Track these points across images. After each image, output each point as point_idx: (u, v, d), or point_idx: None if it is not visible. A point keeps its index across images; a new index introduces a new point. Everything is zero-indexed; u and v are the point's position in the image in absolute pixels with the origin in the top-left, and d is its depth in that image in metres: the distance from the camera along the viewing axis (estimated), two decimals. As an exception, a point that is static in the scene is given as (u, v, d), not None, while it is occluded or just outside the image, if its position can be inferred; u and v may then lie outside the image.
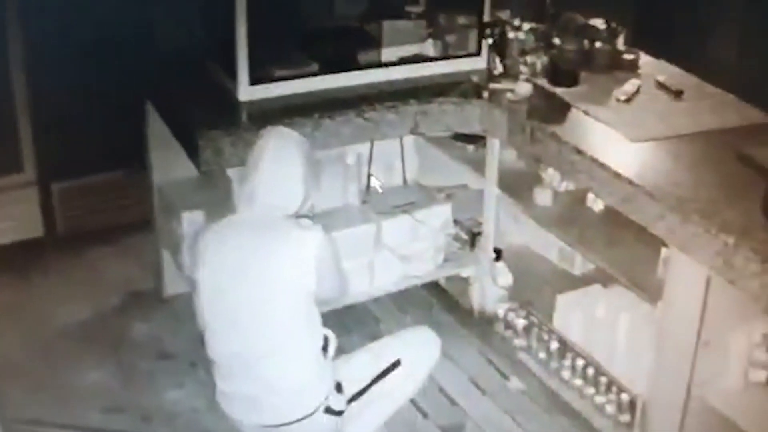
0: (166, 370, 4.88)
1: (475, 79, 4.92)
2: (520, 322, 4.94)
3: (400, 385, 4.00)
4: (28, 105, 5.48)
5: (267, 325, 3.66)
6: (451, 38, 5.08)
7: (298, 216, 3.73)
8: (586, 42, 5.03)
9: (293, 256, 3.62)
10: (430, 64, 5.00)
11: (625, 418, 4.36)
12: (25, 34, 5.33)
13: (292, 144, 3.74)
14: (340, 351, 3.85)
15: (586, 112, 4.58)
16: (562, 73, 4.87)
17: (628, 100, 4.70)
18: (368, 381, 3.90)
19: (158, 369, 4.90)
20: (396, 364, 3.95)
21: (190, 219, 4.86)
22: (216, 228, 3.80)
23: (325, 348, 3.76)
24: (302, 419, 3.72)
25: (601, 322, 4.55)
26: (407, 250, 4.93)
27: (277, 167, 3.68)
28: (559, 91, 4.80)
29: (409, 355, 3.99)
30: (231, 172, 4.56)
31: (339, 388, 3.80)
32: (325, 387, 3.75)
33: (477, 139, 5.07)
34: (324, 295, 3.75)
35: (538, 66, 4.94)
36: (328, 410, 3.76)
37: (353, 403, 3.87)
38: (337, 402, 3.79)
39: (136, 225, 5.59)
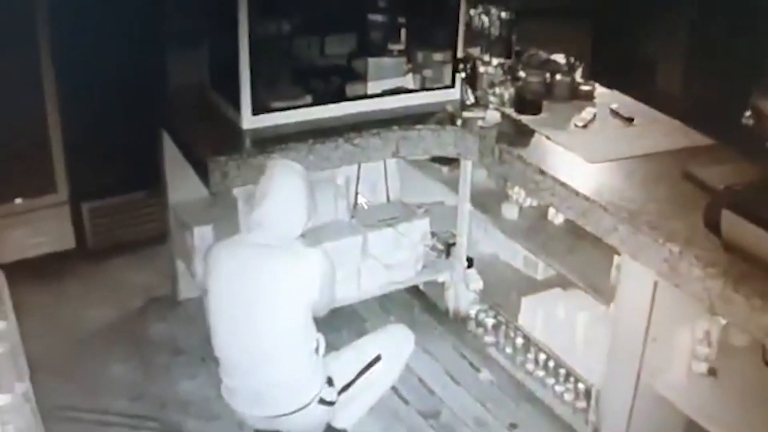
0: (180, 364, 4.83)
1: (449, 108, 4.86)
2: (490, 321, 4.90)
3: (382, 376, 4.02)
4: (61, 137, 5.44)
5: (269, 331, 3.66)
6: (428, 73, 5.05)
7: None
8: (547, 75, 4.99)
9: (298, 273, 3.65)
10: (410, 95, 4.96)
11: (582, 404, 4.33)
12: (58, 77, 5.30)
13: (296, 177, 3.73)
14: (331, 347, 3.88)
15: (548, 137, 4.53)
16: (526, 102, 4.83)
17: (585, 126, 4.66)
18: (355, 374, 3.93)
19: (174, 363, 4.85)
20: (377, 359, 3.97)
21: (201, 233, 4.85)
22: (227, 243, 3.81)
23: (316, 349, 3.76)
24: (300, 410, 3.74)
25: (560, 320, 4.52)
26: (390, 258, 4.89)
27: (284, 199, 3.67)
28: (524, 118, 4.75)
29: (388, 350, 4.01)
30: (237, 192, 4.48)
31: (330, 382, 3.82)
32: (319, 382, 3.77)
33: (452, 161, 5.02)
34: (318, 306, 3.75)
35: (506, 96, 4.90)
36: (322, 401, 3.78)
37: (343, 395, 3.88)
38: (329, 394, 3.81)
39: (155, 238, 5.57)
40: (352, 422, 4.05)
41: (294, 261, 3.65)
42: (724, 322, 3.68)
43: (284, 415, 3.75)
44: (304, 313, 3.67)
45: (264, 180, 3.73)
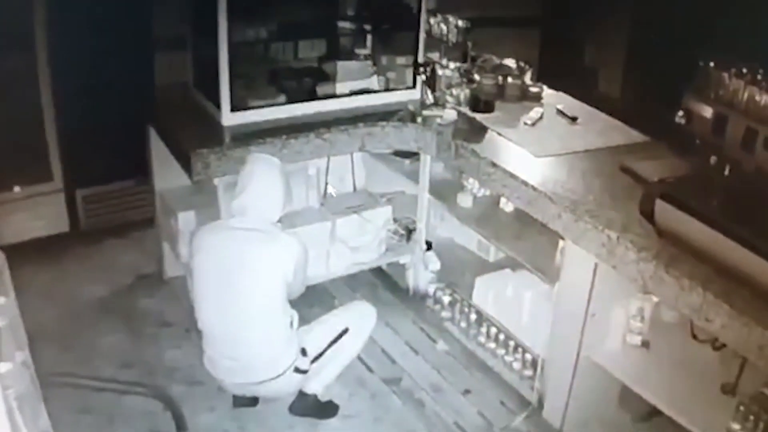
0: (166, 335, 4.81)
1: (410, 107, 4.85)
2: (446, 298, 4.90)
3: (349, 347, 4.07)
4: (56, 130, 5.41)
5: (248, 307, 3.70)
6: (391, 75, 5.05)
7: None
8: (500, 78, 4.99)
9: (275, 255, 3.69)
10: (374, 95, 4.96)
11: (529, 373, 4.36)
12: (54, 76, 5.27)
13: (274, 169, 3.78)
14: (304, 321, 3.91)
15: (499, 134, 4.53)
16: (480, 102, 4.83)
17: (533, 124, 4.67)
18: (325, 345, 3.96)
19: (161, 334, 4.83)
20: (345, 331, 4.02)
21: (185, 218, 4.81)
22: (211, 227, 3.85)
23: (291, 324, 3.79)
24: (276, 378, 3.78)
25: (510, 298, 4.53)
26: (356, 242, 4.87)
27: (264, 188, 3.73)
28: (478, 116, 4.75)
29: (354, 324, 4.07)
30: (217, 181, 4.45)
31: (304, 352, 3.86)
32: (293, 352, 3.80)
33: (412, 155, 4.99)
34: (292, 288, 3.79)
35: (462, 97, 4.90)
36: (297, 370, 3.82)
37: (314, 363, 3.91)
38: (303, 363, 3.85)
39: (143, 222, 5.54)
40: (322, 388, 4.07)
41: (271, 245, 3.67)
42: (656, 300, 3.72)
43: (262, 382, 3.77)
44: (280, 291, 3.69)
45: (244, 172, 3.76)
